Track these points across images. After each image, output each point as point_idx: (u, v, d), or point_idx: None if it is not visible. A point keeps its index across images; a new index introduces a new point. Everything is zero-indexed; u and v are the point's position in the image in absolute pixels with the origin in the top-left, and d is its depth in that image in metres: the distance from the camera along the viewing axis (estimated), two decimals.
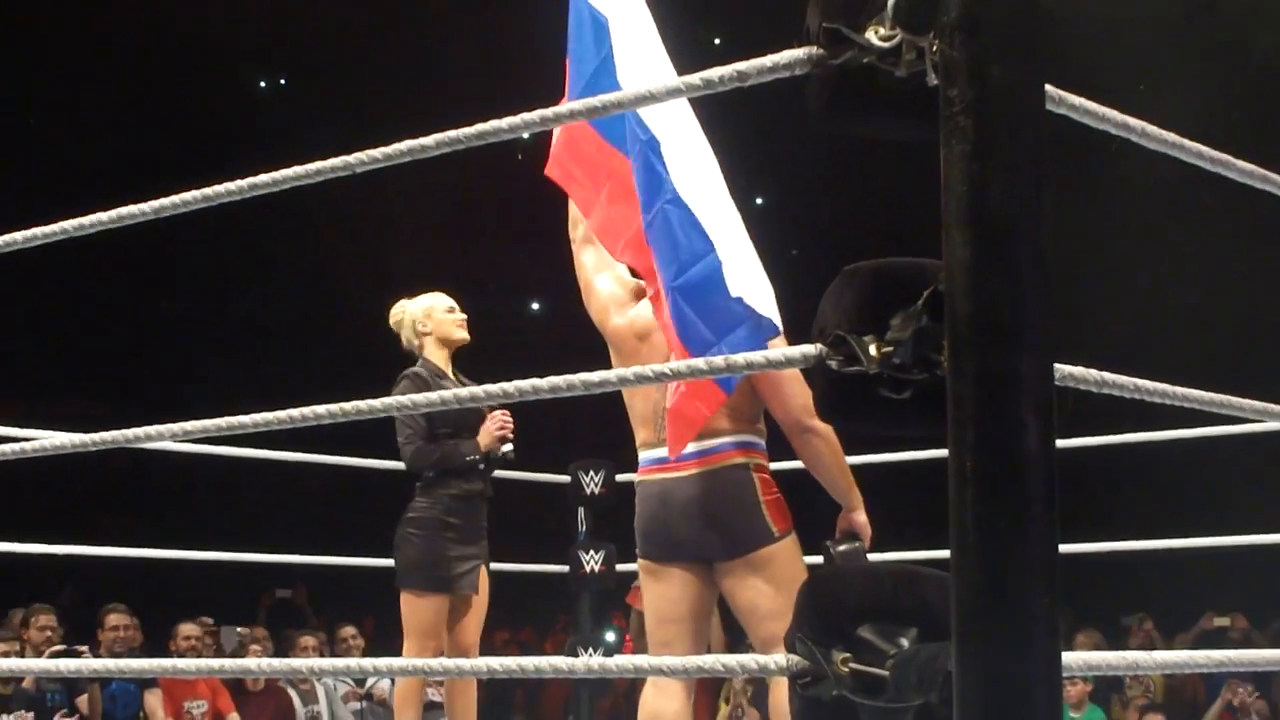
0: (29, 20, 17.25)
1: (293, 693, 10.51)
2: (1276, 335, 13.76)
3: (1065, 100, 2.81)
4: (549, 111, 3.25)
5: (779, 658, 2.75)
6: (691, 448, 5.75)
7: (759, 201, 19.70)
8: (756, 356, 2.95)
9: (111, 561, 9.39)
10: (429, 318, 7.83)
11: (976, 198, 2.42)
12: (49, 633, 9.79)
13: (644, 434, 5.99)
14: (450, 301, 7.92)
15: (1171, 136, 3.29)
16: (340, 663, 9.41)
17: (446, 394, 3.50)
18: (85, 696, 9.52)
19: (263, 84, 20.88)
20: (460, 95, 18.11)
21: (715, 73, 2.96)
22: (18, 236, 4.10)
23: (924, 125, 2.52)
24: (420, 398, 3.66)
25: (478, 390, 3.39)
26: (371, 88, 18.27)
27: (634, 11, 6.07)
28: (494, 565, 10.40)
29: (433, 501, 7.70)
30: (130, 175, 13.90)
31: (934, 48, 2.49)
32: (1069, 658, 2.93)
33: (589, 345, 6.11)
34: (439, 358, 7.78)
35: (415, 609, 7.65)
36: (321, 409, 3.60)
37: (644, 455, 6.00)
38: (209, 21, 17.55)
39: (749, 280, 5.68)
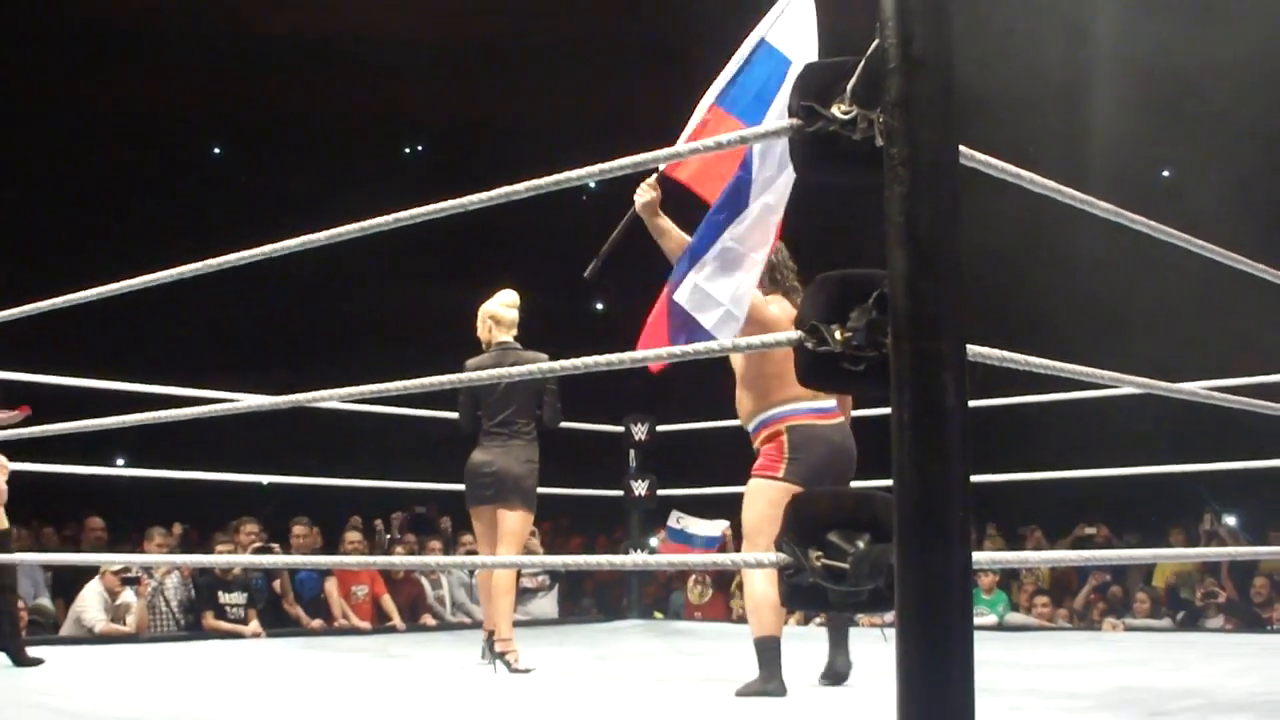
0: None
1: (425, 582, 10.56)
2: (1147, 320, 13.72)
3: (973, 156, 2.83)
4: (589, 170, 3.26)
5: (772, 555, 2.76)
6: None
7: None
8: (755, 340, 2.94)
9: (299, 488, 9.45)
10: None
11: (910, 226, 2.45)
12: (253, 537, 9.86)
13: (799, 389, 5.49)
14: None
15: (1051, 183, 3.30)
16: (460, 559, 9.46)
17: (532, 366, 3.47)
18: (278, 581, 9.62)
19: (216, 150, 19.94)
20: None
21: (724, 137, 2.97)
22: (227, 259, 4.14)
23: (872, 175, 2.54)
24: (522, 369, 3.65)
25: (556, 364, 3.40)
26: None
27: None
28: (569, 490, 10.48)
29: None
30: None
31: (880, 119, 2.52)
32: (980, 555, 2.94)
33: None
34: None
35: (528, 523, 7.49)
36: (444, 378, 3.62)
37: (804, 405, 5.74)
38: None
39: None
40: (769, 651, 5.57)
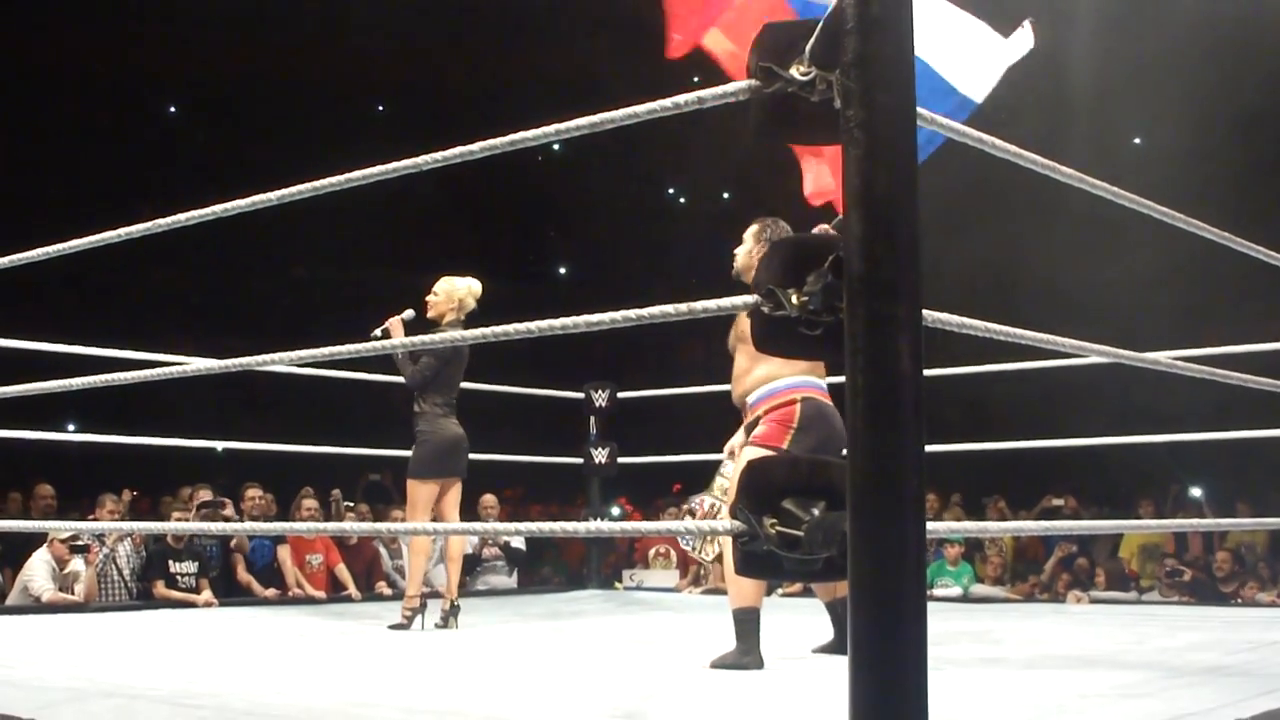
0: None
1: (383, 550, 10.56)
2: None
3: (932, 119, 2.83)
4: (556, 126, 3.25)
5: (726, 523, 2.77)
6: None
7: (725, 196, 19.69)
8: (710, 304, 2.94)
9: (253, 454, 9.40)
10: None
11: (866, 189, 2.45)
12: (207, 507, 9.84)
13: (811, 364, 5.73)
14: None
15: (1012, 147, 3.31)
16: (416, 526, 9.44)
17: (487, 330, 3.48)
18: (234, 541, 9.58)
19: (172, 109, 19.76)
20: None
21: (681, 98, 2.97)
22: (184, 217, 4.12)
23: (830, 137, 2.55)
24: (468, 333, 3.66)
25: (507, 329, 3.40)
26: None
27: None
28: (531, 458, 10.50)
29: None
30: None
31: (838, 80, 2.51)
32: (936, 525, 2.95)
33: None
34: None
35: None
36: (397, 340, 3.61)
37: (817, 380, 5.83)
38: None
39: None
40: (747, 623, 5.58)
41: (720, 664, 5.51)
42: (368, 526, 9.09)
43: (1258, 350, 7.96)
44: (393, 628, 7.43)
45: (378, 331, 7.63)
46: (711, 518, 6.15)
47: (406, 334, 7.59)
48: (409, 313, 7.69)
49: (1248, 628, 7.23)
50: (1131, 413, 10.98)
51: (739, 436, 6.08)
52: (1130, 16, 13.70)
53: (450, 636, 7.18)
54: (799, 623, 7.02)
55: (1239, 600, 10.02)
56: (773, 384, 5.79)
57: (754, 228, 5.99)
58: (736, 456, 6.05)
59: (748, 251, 5.95)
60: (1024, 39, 5.98)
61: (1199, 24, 12.94)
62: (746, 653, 5.54)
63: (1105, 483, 14.30)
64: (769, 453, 5.56)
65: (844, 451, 5.70)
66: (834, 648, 5.82)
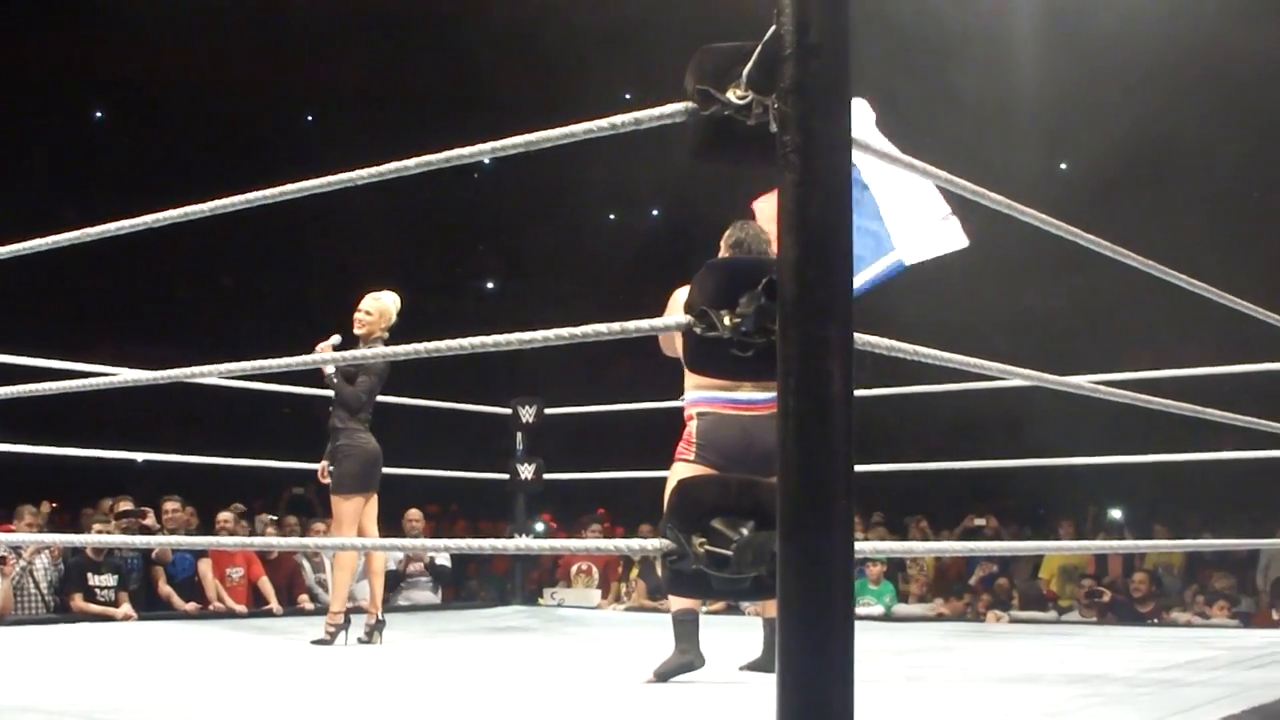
0: None
1: (305, 563, 10.50)
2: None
3: (867, 145, 2.87)
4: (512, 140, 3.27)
5: (655, 541, 2.79)
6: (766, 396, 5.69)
7: (655, 213, 19.72)
8: (643, 324, 2.96)
9: (175, 466, 9.32)
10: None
11: (800, 213, 2.48)
12: (127, 516, 9.74)
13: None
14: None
15: (941, 172, 3.35)
16: (343, 541, 9.40)
17: (422, 346, 3.48)
18: (155, 552, 9.49)
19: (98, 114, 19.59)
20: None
21: (619, 119, 2.99)
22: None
23: (765, 161, 2.57)
24: (400, 349, 3.66)
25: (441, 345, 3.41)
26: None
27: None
28: (456, 474, 10.47)
29: None
30: None
31: (774, 105, 2.54)
32: (864, 545, 2.98)
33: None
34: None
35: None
36: (325, 355, 3.61)
37: (718, 394, 5.78)
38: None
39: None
40: (687, 624, 5.63)
41: (663, 670, 5.54)
42: (294, 541, 9.07)
43: (1175, 375, 8.07)
44: (316, 643, 7.39)
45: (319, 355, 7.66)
46: None
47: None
48: (335, 338, 7.63)
49: (1164, 648, 7.32)
50: (1054, 435, 11.09)
51: None
52: (1057, 43, 13.89)
53: (374, 652, 7.15)
54: (723, 639, 7.05)
55: (1156, 621, 10.14)
56: (685, 396, 5.89)
57: (726, 233, 6.03)
58: None
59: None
60: (959, 236, 6.23)
61: (1122, 53, 13.14)
62: (686, 652, 5.57)
63: (1026, 504, 14.44)
64: (683, 465, 5.71)
65: (763, 462, 5.82)
66: (761, 665, 5.85)
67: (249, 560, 10.04)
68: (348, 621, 7.48)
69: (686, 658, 5.56)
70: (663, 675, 5.54)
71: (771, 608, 5.68)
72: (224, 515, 10.35)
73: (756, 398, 5.79)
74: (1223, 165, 14.25)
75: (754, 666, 5.92)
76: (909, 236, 6.35)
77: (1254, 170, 14.40)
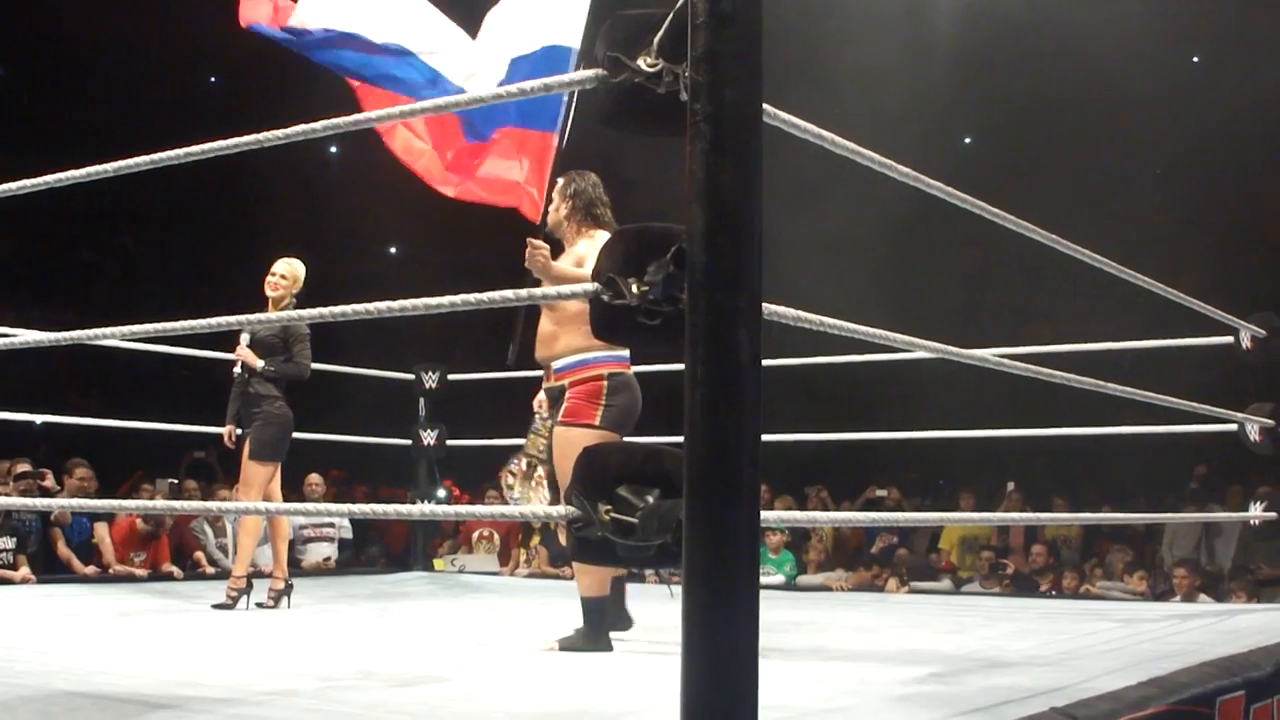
0: None
1: (206, 528, 10.39)
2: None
3: (776, 115, 2.88)
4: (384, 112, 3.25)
5: (560, 509, 2.79)
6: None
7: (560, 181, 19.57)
8: (550, 290, 2.97)
9: (74, 428, 9.21)
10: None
11: (711, 182, 2.49)
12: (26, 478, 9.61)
13: None
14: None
15: (850, 144, 3.37)
16: (241, 505, 9.34)
17: (334, 310, 3.46)
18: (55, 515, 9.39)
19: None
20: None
21: (528, 84, 2.99)
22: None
23: (675, 129, 2.57)
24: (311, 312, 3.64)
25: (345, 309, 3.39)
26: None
27: None
28: (357, 439, 10.42)
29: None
30: None
31: (685, 74, 2.54)
32: (769, 514, 3.00)
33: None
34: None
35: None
36: (230, 318, 3.58)
37: (623, 353, 5.72)
38: None
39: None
40: (595, 613, 5.62)
41: (569, 645, 5.54)
42: (198, 505, 8.98)
43: (1077, 350, 8.17)
44: (217, 607, 7.34)
45: (237, 369, 7.65)
46: (527, 474, 6.13)
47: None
48: (245, 337, 7.60)
49: (1062, 618, 7.42)
50: (955, 408, 11.20)
51: (542, 395, 6.07)
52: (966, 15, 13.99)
53: (276, 616, 7.11)
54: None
55: (1053, 592, 10.28)
56: (580, 356, 5.72)
57: (560, 183, 5.95)
58: (545, 410, 6.04)
59: (554, 209, 5.93)
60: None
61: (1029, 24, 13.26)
62: (595, 639, 5.57)
63: (926, 475, 14.58)
64: (584, 430, 5.59)
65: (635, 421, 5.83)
66: (571, 643, 5.72)
67: (157, 553, 9.88)
68: (250, 586, 7.44)
69: (599, 644, 5.57)
70: (566, 647, 5.55)
71: (586, 585, 5.69)
72: (146, 486, 10.26)
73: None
74: (1132, 140, 14.43)
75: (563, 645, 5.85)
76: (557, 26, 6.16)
77: (1159, 147, 14.59)
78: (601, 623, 5.62)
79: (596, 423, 5.66)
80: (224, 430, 7.85)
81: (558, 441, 5.75)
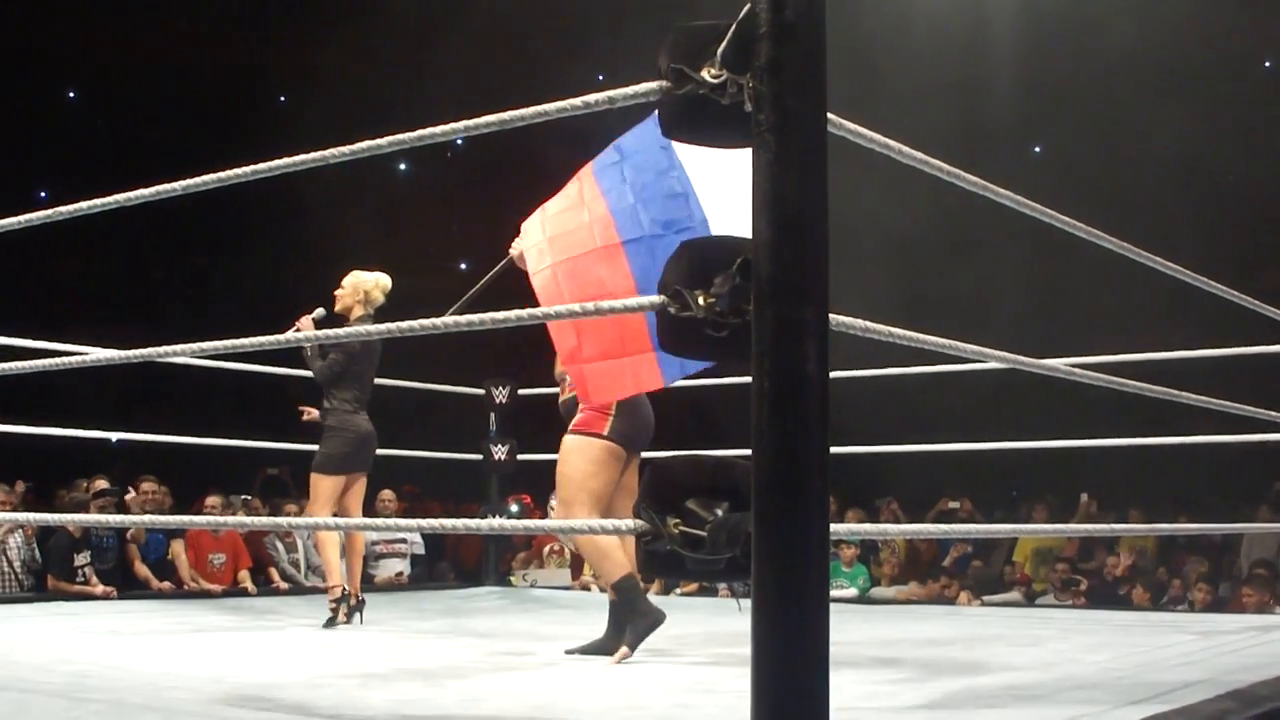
0: None
1: (279, 545, 10.48)
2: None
3: (841, 124, 2.86)
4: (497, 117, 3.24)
5: (630, 521, 2.78)
6: None
7: None
8: (616, 304, 2.95)
9: (149, 445, 9.27)
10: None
11: (776, 193, 2.47)
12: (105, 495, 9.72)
13: None
14: None
15: (918, 154, 3.34)
16: (308, 520, 9.39)
17: (405, 325, 3.47)
18: (131, 532, 9.49)
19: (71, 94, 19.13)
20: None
21: (592, 97, 2.98)
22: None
23: (740, 140, 2.56)
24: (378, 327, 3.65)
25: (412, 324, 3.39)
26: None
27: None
28: (430, 454, 10.45)
29: None
30: None
31: (749, 84, 2.53)
32: (838, 527, 2.98)
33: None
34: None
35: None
36: (297, 334, 3.59)
37: None
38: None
39: None
40: (632, 589, 5.67)
41: (632, 642, 5.57)
42: (268, 521, 9.05)
43: (1150, 359, 8.08)
44: (327, 625, 7.32)
45: (290, 334, 7.61)
46: None
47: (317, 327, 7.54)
48: (319, 311, 7.62)
49: (1138, 631, 7.34)
50: (1027, 418, 11.10)
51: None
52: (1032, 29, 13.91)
53: (347, 632, 7.12)
54: (700, 620, 7.06)
55: (1130, 605, 10.17)
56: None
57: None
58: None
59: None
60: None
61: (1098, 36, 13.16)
62: (646, 613, 5.62)
63: (999, 487, 14.45)
64: (589, 439, 5.80)
65: (649, 436, 5.85)
66: (597, 648, 5.81)
67: (235, 549, 9.99)
68: (345, 594, 7.42)
69: (648, 617, 5.61)
70: (631, 645, 5.58)
71: (608, 572, 5.75)
72: (211, 499, 10.34)
73: None
74: (1197, 151, 14.28)
75: (589, 649, 5.86)
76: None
77: (1224, 158, 14.42)
78: (639, 597, 5.66)
79: (605, 433, 5.81)
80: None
81: (562, 449, 5.90)
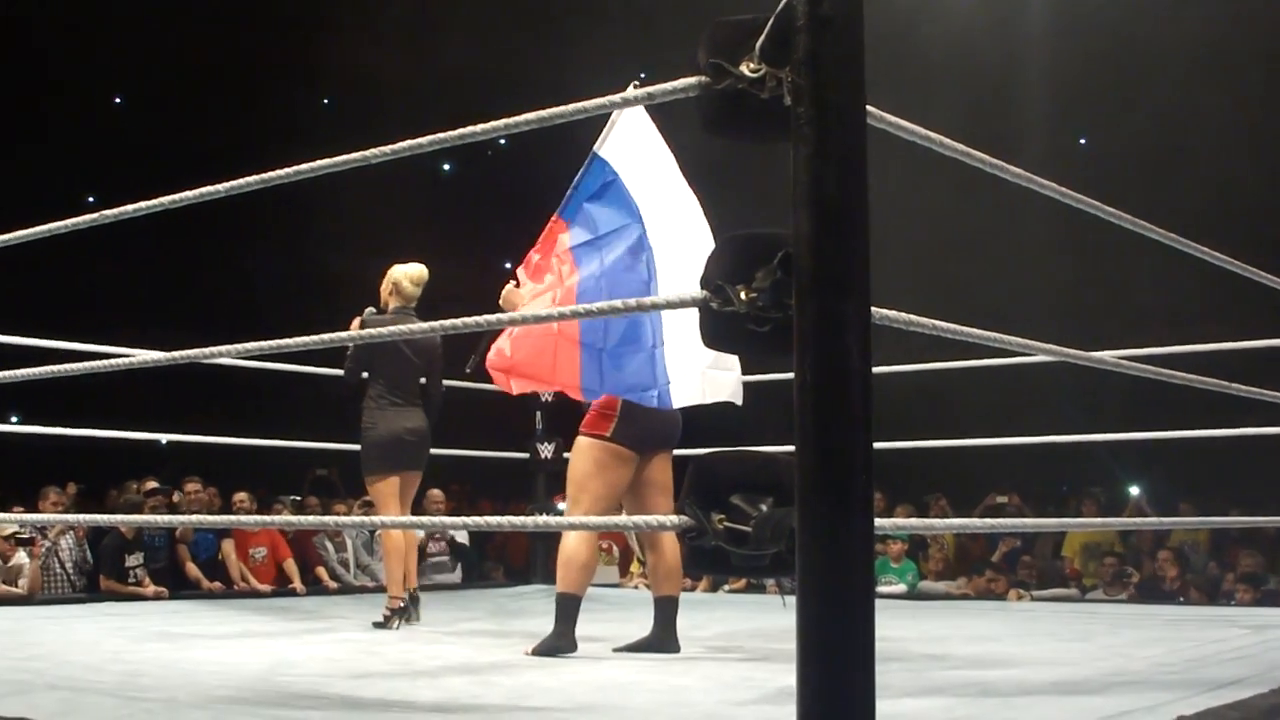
0: None
1: (328, 545, 10.54)
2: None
3: (881, 117, 2.84)
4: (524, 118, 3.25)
5: (674, 518, 2.78)
6: None
7: None
8: (659, 299, 2.95)
9: (197, 446, 9.33)
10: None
11: (816, 186, 2.46)
12: (155, 495, 9.82)
13: None
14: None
15: (960, 146, 3.32)
16: (358, 520, 9.42)
17: (436, 324, 3.48)
18: (179, 532, 9.58)
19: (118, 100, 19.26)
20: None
21: (631, 93, 2.98)
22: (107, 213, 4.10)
23: (780, 134, 2.55)
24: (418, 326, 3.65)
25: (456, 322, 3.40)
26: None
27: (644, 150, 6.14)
28: (476, 453, 10.47)
29: None
30: None
31: (788, 78, 2.52)
32: (883, 521, 2.97)
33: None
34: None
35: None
36: (341, 334, 3.61)
37: None
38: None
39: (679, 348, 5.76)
40: (567, 608, 5.82)
41: (538, 650, 5.75)
42: (314, 520, 9.09)
43: (1199, 350, 8.03)
44: (377, 626, 7.33)
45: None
46: None
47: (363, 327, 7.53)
48: (369, 311, 7.64)
49: (1189, 626, 7.29)
50: (1076, 412, 11.05)
51: None
52: (1078, 17, 13.82)
53: (394, 634, 7.09)
54: (741, 617, 7.05)
55: (1181, 599, 10.10)
56: None
57: None
58: None
59: None
60: (731, 388, 6.04)
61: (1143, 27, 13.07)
62: (561, 636, 5.79)
63: (1048, 481, 14.37)
64: (594, 440, 5.95)
65: (672, 435, 5.92)
66: (646, 645, 5.93)
67: (274, 541, 10.08)
68: (404, 609, 7.42)
69: (561, 641, 5.79)
70: (538, 651, 5.76)
71: (664, 585, 5.86)
72: (240, 495, 10.40)
73: None
74: (1242, 141, 14.15)
75: (636, 647, 5.96)
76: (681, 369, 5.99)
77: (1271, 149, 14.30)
78: (570, 620, 5.83)
79: (608, 435, 5.92)
80: None
81: (574, 449, 6.06)
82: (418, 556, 10.30)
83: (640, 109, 5.99)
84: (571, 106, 3.09)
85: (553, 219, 6.17)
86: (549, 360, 5.85)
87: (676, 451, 6.18)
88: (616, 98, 2.98)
